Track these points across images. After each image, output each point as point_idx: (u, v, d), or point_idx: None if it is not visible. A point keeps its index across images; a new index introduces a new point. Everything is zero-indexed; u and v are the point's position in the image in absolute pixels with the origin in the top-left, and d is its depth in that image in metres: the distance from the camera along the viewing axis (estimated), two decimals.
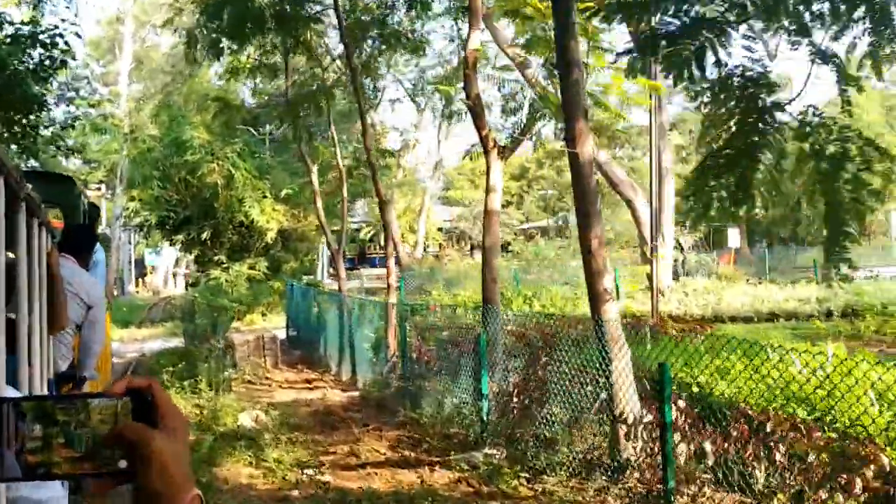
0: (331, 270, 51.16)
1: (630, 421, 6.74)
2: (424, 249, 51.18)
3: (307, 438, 10.02)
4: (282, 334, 18.53)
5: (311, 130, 18.59)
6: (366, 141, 13.26)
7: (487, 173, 9.61)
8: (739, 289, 20.22)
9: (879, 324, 14.32)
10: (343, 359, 14.15)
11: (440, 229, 61.29)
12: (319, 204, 16.60)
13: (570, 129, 6.38)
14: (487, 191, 9.60)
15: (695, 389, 7.85)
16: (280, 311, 25.05)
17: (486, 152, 9.48)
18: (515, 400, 7.88)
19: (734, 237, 26.29)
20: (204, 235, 26.25)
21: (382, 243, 60.43)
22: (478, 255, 52.49)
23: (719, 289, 20.07)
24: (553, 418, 7.34)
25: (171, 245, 33.80)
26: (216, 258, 26.70)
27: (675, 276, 22.71)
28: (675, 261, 23.49)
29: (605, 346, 6.75)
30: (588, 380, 7.34)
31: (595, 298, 6.75)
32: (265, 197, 25.77)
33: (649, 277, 22.64)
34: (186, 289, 33.71)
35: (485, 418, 8.08)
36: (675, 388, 7.92)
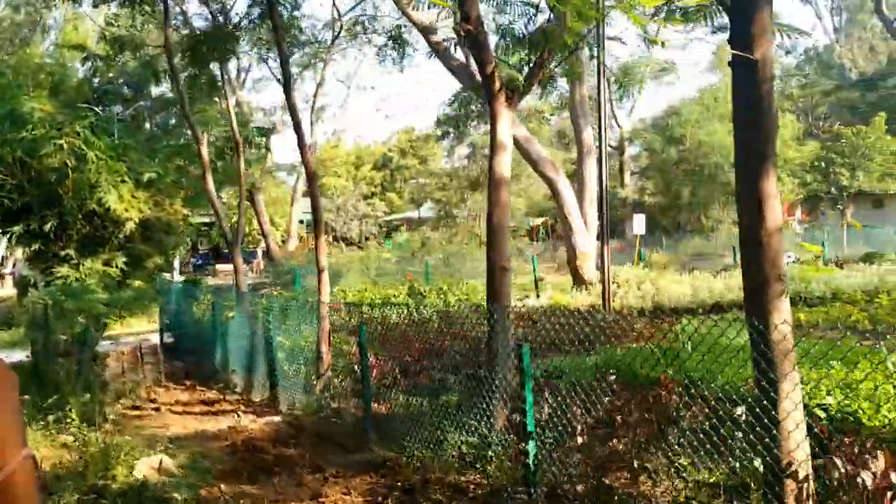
0: (182, 267, 47.06)
1: (801, 475, 4.48)
2: (284, 241, 47.74)
3: (240, 493, 7.23)
4: (155, 341, 15.32)
5: (215, 81, 15.21)
6: (289, 96, 10.44)
7: (493, 125, 7.12)
8: (672, 278, 18.65)
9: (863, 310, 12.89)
10: (254, 374, 11.29)
11: (301, 221, 57.89)
12: (210, 182, 13.58)
13: (746, 22, 4.03)
14: (493, 150, 7.11)
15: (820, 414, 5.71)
16: (140, 313, 21.54)
17: (491, 97, 7.01)
18: (580, 440, 5.47)
19: (639, 224, 24.77)
20: (47, 227, 22.20)
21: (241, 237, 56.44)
22: (348, 248, 49.59)
23: (652, 279, 18.38)
24: (678, 471, 4.98)
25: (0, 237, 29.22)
26: (63, 253, 22.70)
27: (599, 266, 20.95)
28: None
29: (768, 364, 4.44)
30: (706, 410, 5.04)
31: (760, 290, 4.41)
32: (123, 181, 22.03)
33: (574, 268, 20.78)
34: (25, 292, 29.14)
35: (531, 464, 5.61)
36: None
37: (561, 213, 20.54)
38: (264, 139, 24.80)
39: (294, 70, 39.17)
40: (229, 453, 8.75)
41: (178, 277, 37.20)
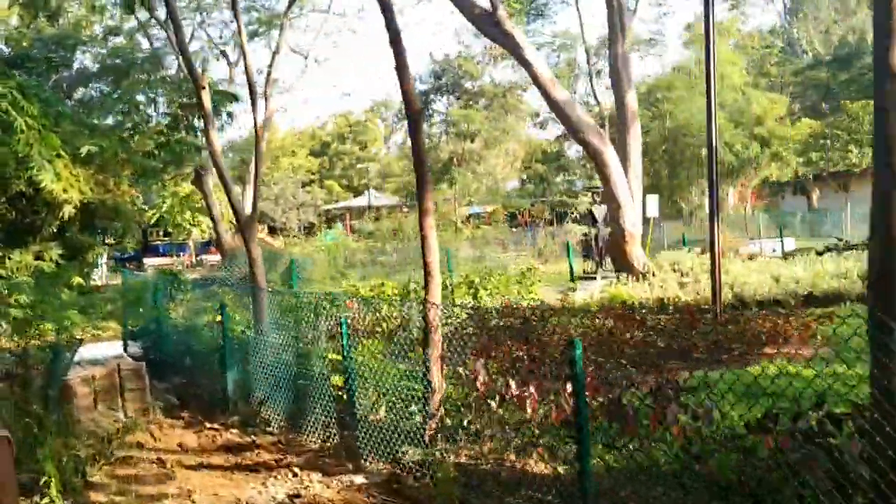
0: (109, 262, 42.32)
1: None
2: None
3: None
4: (135, 359, 11.69)
5: None
6: None
7: None
8: (737, 264, 15.86)
9: None
10: (303, 406, 7.89)
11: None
12: (215, 141, 10.10)
13: None
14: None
15: None
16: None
17: None
18: None
19: (652, 206, 22.08)
20: None
21: (168, 229, 51.87)
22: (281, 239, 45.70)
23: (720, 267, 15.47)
24: None
25: None
26: None
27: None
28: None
29: None
30: None
31: None
32: (59, 156, 17.98)
33: (622, 253, 17.85)
34: None
35: None
36: None
37: (608, 190, 17.60)
38: (237, 101, 21.00)
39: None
40: None
41: (104, 273, 33.03)
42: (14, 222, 18.96)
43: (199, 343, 10.56)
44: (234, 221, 37.84)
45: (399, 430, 6.70)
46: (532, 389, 6.02)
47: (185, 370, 10.96)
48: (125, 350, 13.13)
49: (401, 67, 6.67)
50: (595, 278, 20.15)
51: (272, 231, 54.16)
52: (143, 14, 31.33)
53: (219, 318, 11.87)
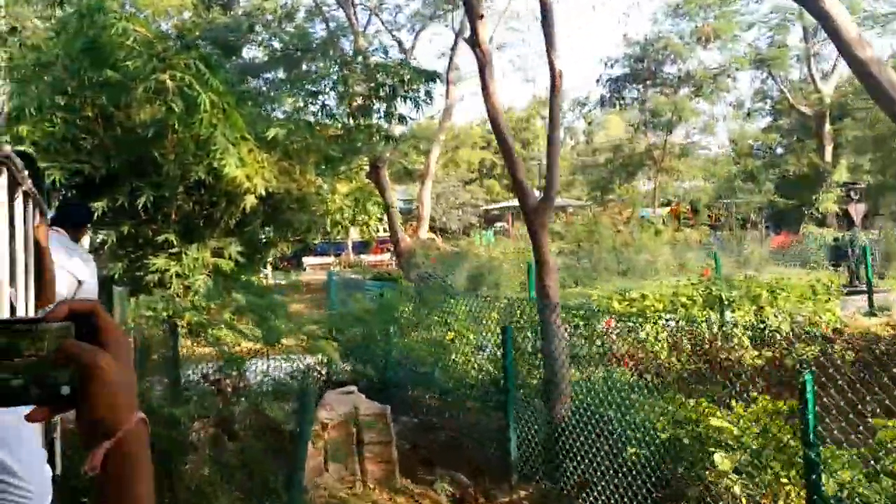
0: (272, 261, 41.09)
1: None
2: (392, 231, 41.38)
3: None
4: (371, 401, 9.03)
5: None
6: None
7: None
8: None
9: None
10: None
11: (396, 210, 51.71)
12: (495, 95, 7.24)
13: None
14: None
15: None
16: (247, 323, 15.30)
17: None
18: None
19: None
20: (140, 202, 15.86)
21: (329, 227, 50.81)
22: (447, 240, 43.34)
23: None
24: None
25: None
26: (160, 239, 16.37)
27: None
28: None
29: None
30: None
31: None
32: (244, 138, 15.68)
33: None
34: (107, 296, 23.28)
35: None
36: None
37: None
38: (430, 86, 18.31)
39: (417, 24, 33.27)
40: None
41: (267, 273, 31.37)
42: (190, 214, 16.82)
43: (444, 374, 7.82)
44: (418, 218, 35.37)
45: None
46: None
47: (418, 406, 8.27)
48: (329, 376, 10.61)
49: None
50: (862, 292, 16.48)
51: (432, 230, 52.16)
52: None
53: (447, 334, 9.18)
